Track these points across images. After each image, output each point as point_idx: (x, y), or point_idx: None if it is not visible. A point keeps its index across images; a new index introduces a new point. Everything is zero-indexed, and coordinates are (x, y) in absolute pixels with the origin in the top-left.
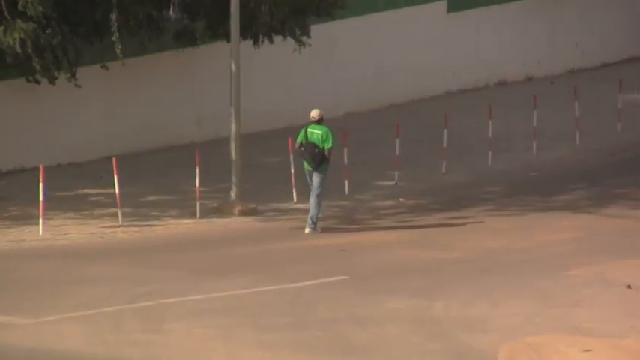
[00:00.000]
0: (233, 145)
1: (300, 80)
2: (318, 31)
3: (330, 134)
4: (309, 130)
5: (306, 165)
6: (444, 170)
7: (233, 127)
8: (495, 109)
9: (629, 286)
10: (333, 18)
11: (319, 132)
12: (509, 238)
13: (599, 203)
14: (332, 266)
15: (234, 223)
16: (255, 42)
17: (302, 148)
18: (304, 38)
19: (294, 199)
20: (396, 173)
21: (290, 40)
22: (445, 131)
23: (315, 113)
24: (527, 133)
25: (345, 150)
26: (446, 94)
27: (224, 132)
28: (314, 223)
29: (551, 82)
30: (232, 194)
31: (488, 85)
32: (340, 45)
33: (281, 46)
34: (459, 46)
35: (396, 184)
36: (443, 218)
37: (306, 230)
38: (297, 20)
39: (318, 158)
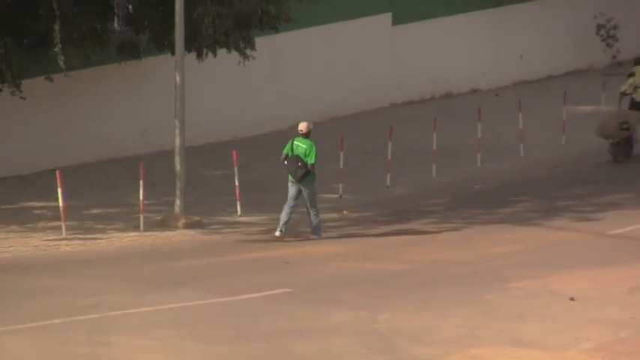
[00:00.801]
0: (177, 158)
1: (245, 93)
2: (263, 43)
3: (313, 149)
4: (295, 142)
5: (290, 177)
6: (388, 182)
7: (177, 139)
8: (440, 121)
9: (572, 299)
10: (276, 31)
11: (304, 146)
12: (454, 250)
13: (543, 215)
14: (276, 279)
15: (179, 235)
16: (199, 55)
17: (286, 161)
18: (248, 51)
19: (239, 212)
20: (341, 186)
21: (235, 53)
22: (390, 143)
23: (302, 126)
24: (471, 145)
25: None
26: (391, 106)
27: (169, 144)
28: (316, 231)
29: (496, 94)
30: (176, 207)
31: (433, 97)
32: (285, 57)
33: (226, 59)
34: (404, 59)
35: (340, 196)
36: (387, 230)
37: (276, 233)
38: (241, 33)
39: (301, 172)
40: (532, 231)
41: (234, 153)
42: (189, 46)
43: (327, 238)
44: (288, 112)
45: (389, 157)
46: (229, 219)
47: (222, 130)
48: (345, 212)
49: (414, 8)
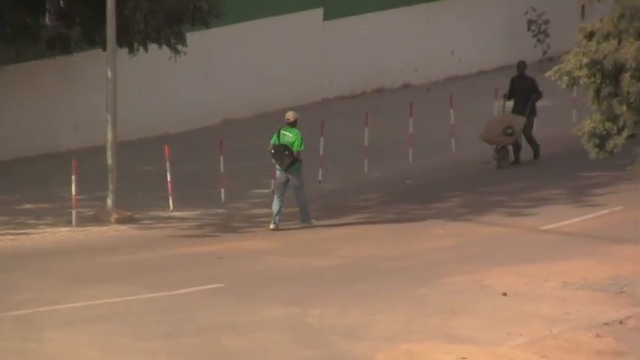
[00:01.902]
0: (109, 153)
1: (178, 88)
2: (195, 38)
3: (299, 136)
4: (281, 131)
5: (277, 166)
6: (320, 178)
7: (109, 134)
8: (372, 116)
9: (504, 294)
10: (208, 26)
11: (290, 134)
12: (386, 245)
13: (475, 211)
14: (209, 274)
15: (111, 230)
16: (131, 50)
17: (273, 150)
18: (179, 46)
19: (171, 207)
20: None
21: (166, 48)
22: (321, 139)
23: (290, 115)
24: (403, 140)
25: (222, 158)
26: (322, 101)
27: (101, 139)
28: (305, 218)
29: (427, 90)
30: (109, 202)
31: (365, 92)
32: (217, 53)
33: (158, 54)
34: (336, 54)
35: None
36: (319, 226)
37: (271, 226)
38: (172, 29)
39: (288, 160)
40: (464, 226)
41: (166, 148)
42: (120, 42)
43: (317, 225)
44: (219, 108)
45: (321, 152)
46: (162, 214)
47: (154, 125)
48: None
49: (346, 3)
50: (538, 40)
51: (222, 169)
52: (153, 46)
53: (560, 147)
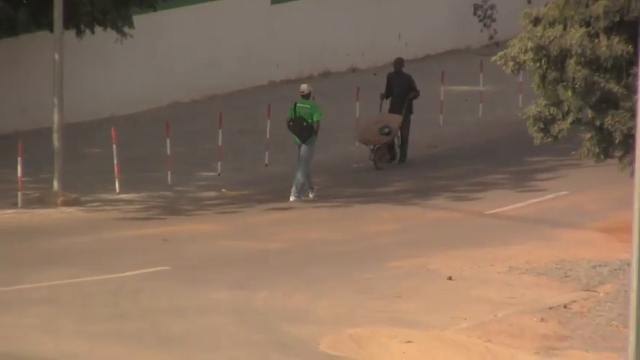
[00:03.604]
0: (55, 135)
1: (125, 70)
2: (142, 21)
3: (317, 107)
4: (298, 104)
5: (295, 138)
6: (266, 161)
7: (56, 116)
8: (319, 100)
9: (450, 278)
10: (155, 9)
11: (307, 106)
12: (331, 229)
13: (420, 195)
14: (154, 257)
15: (57, 213)
16: (78, 32)
17: (291, 123)
18: (126, 29)
19: (117, 190)
20: (219, 164)
21: (114, 31)
22: (268, 122)
23: (304, 88)
24: (349, 124)
25: (168, 140)
26: (269, 84)
27: (48, 122)
28: (298, 192)
29: (374, 74)
30: (55, 184)
31: (312, 76)
32: (164, 36)
33: (105, 36)
34: (283, 37)
35: (219, 174)
36: (265, 209)
37: (291, 198)
38: (119, 11)
39: (307, 131)
40: (410, 210)
41: (112, 130)
42: (67, 24)
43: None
44: (166, 90)
45: (267, 135)
46: (108, 196)
47: (102, 108)
48: (223, 190)
49: None
50: (484, 25)
51: (168, 152)
52: (100, 29)
53: (505, 132)
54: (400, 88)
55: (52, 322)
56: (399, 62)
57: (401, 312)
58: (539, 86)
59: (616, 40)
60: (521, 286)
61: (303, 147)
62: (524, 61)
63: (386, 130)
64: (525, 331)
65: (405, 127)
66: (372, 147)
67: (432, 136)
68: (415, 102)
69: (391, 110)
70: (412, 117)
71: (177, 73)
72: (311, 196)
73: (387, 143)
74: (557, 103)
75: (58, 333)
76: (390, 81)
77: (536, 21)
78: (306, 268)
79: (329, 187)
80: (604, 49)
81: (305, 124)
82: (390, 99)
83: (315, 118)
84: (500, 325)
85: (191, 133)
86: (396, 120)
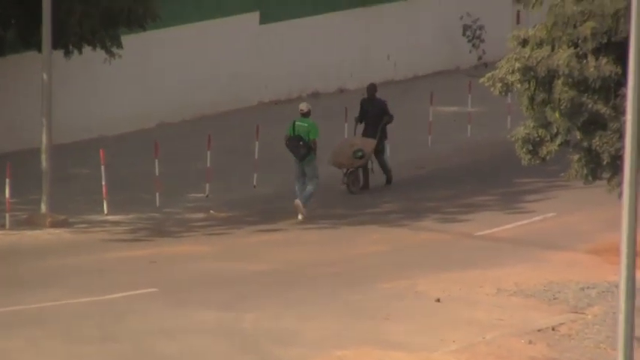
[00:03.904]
0: (44, 156)
1: (114, 90)
2: (131, 41)
3: (315, 126)
4: (296, 123)
5: (294, 156)
6: (255, 182)
7: (44, 137)
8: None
9: (438, 300)
10: (144, 29)
11: (305, 125)
12: (320, 250)
13: (409, 216)
14: (142, 278)
15: (45, 234)
16: (66, 52)
17: (288, 141)
18: (115, 49)
19: (105, 211)
20: (208, 185)
21: (102, 51)
22: (257, 143)
23: (303, 106)
24: None
25: (157, 161)
26: (259, 105)
27: (37, 142)
28: (306, 199)
29: (363, 95)
30: (43, 205)
31: (300, 96)
32: (153, 55)
33: (94, 56)
34: (272, 58)
35: (207, 196)
36: (254, 231)
37: (296, 201)
38: (107, 31)
39: (303, 150)
40: (399, 232)
41: (101, 151)
42: (55, 44)
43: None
44: (155, 111)
45: (256, 156)
46: (96, 218)
47: (90, 128)
48: (211, 212)
49: (282, 7)
50: (473, 46)
51: (157, 173)
52: (88, 49)
53: (494, 153)
54: (374, 113)
55: (40, 344)
56: (371, 88)
57: (389, 334)
58: (527, 108)
59: (604, 61)
60: (510, 308)
61: (306, 167)
62: (512, 83)
63: (359, 153)
64: (513, 354)
65: (380, 151)
66: (344, 170)
67: (421, 157)
68: (402, 123)
69: (365, 135)
70: (400, 138)
71: (166, 93)
72: (300, 218)
73: (360, 167)
74: (546, 125)
75: (47, 355)
76: (364, 106)
77: (524, 42)
78: (295, 290)
79: (317, 208)
80: (592, 70)
81: (301, 142)
82: (363, 123)
83: (311, 137)
84: (488, 348)
85: (180, 153)
86: (369, 144)
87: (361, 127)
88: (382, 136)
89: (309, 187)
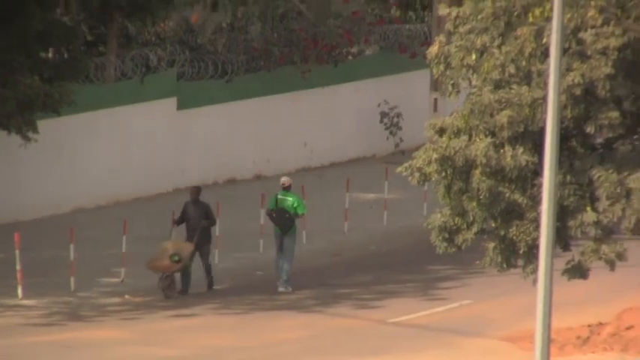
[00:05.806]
0: None
1: (29, 175)
2: (47, 125)
3: (301, 201)
4: (279, 196)
5: (276, 229)
6: None
7: None
8: (224, 206)
9: None
10: (59, 114)
11: (290, 199)
12: (235, 336)
13: (324, 302)
14: None
15: None
16: None
17: (273, 214)
18: (30, 133)
19: (20, 295)
20: (123, 270)
21: (18, 135)
22: (172, 229)
23: (285, 180)
24: (254, 231)
25: (72, 246)
26: (174, 191)
27: None
28: (286, 282)
29: (319, 176)
30: None
31: (217, 182)
32: (69, 140)
33: (10, 140)
34: (189, 143)
35: (122, 280)
36: (169, 315)
37: (280, 289)
38: (23, 116)
39: (289, 223)
40: (314, 318)
41: (16, 235)
42: None
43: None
44: (71, 195)
45: None
46: (10, 302)
47: (6, 213)
48: (126, 296)
49: (199, 94)
50: (390, 133)
51: (72, 258)
52: (4, 133)
53: (410, 240)
54: (195, 217)
55: None
56: (195, 191)
57: None
58: (444, 196)
59: (520, 150)
60: None
61: (287, 239)
62: (430, 173)
63: (176, 257)
64: None
65: (204, 254)
66: (160, 275)
67: (337, 244)
68: (318, 210)
69: (188, 238)
70: (316, 225)
71: (82, 178)
72: (282, 289)
73: (178, 271)
74: (462, 213)
75: None
76: (186, 208)
77: (442, 131)
78: None
79: (233, 294)
80: (509, 159)
81: (287, 215)
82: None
83: (299, 212)
84: None
85: (95, 238)
86: (187, 248)
87: (181, 229)
88: (206, 240)
89: (286, 267)
